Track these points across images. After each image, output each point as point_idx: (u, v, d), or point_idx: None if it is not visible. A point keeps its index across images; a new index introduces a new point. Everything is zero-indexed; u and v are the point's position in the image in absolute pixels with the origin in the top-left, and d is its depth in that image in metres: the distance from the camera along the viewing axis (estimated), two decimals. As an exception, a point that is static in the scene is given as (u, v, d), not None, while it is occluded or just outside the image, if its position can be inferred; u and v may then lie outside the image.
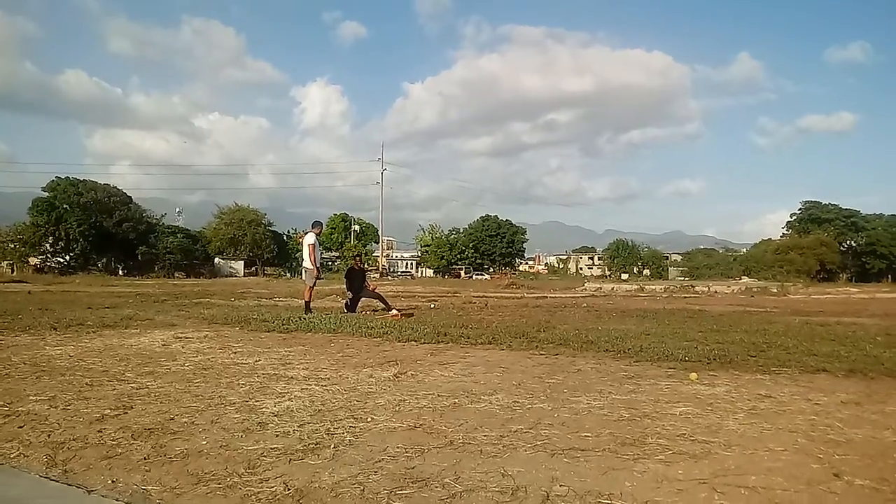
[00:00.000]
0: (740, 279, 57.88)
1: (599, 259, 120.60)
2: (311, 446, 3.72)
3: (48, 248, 64.93)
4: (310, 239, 13.78)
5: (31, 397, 4.88)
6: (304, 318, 11.62)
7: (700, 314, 15.33)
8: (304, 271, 14.29)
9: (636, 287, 37.51)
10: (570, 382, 5.91)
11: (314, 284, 13.53)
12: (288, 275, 71.92)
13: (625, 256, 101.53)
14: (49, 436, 3.87)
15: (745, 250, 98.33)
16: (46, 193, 64.67)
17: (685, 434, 4.11)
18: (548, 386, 5.72)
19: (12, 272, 53.42)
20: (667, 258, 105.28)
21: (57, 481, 3.12)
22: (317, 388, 5.46)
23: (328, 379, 5.89)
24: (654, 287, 37.20)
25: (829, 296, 29.84)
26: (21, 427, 4.03)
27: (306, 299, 13.51)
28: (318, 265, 13.50)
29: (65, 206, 63.01)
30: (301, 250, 14.05)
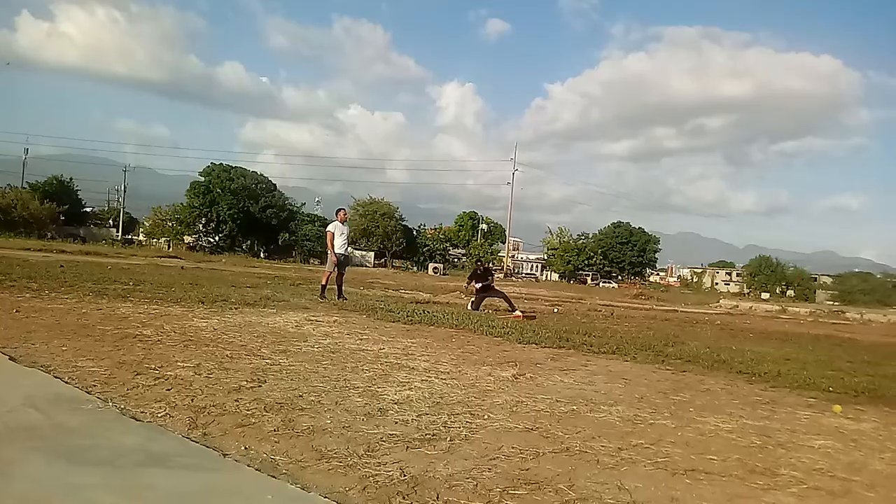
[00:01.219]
0: (902, 308, 52.69)
1: (738, 275, 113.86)
2: (428, 437, 3.82)
3: (201, 228, 70.59)
4: (330, 226, 14.00)
5: (179, 363, 5.35)
6: (321, 301, 12.53)
7: (850, 343, 14.10)
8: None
9: (778, 308, 35.01)
10: (698, 402, 5.64)
11: (333, 270, 13.67)
12: (415, 268, 73.69)
13: (767, 274, 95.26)
14: (192, 400, 4.20)
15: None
16: (202, 178, 70.21)
17: (823, 469, 3.81)
18: (672, 402, 5.50)
19: (168, 248, 58.49)
20: (815, 279, 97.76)
21: (196, 442, 3.40)
22: (436, 380, 5.58)
23: (448, 373, 6.00)
24: (798, 309, 34.58)
25: None
26: (169, 390, 4.43)
27: (322, 283, 13.73)
28: (337, 252, 13.57)
29: (217, 190, 68.26)
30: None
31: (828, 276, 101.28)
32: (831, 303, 61.46)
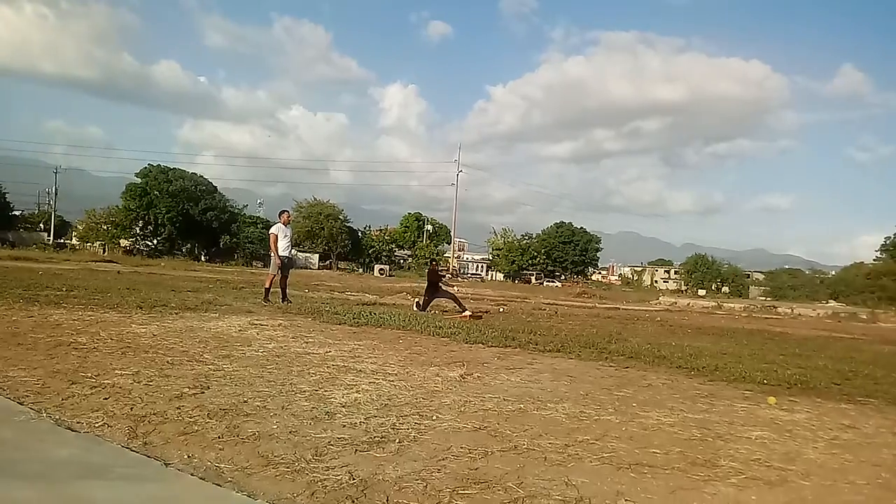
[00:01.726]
0: (827, 303, 55.09)
1: (676, 273, 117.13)
2: (377, 439, 3.79)
3: (138, 231, 68.49)
4: (273, 229, 13.92)
5: (117, 371, 5.17)
6: (265, 304, 12.43)
7: (782, 336, 14.70)
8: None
9: (714, 304, 36.16)
10: (640, 397, 5.78)
11: (277, 273, 13.58)
12: (361, 270, 73.17)
13: (703, 272, 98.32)
14: (131, 409, 4.07)
15: (833, 273, 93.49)
16: (139, 180, 68.10)
17: (760, 459, 3.95)
18: (616, 398, 5.62)
19: (104, 252, 56.46)
20: (748, 276, 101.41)
21: (137, 452, 3.28)
22: (384, 382, 5.54)
23: (395, 374, 5.98)
24: (733, 305, 35.81)
25: (926, 326, 28.07)
26: (106, 399, 4.27)
27: (266, 286, 13.62)
28: (280, 254, 13.48)
29: (155, 192, 66.33)
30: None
31: (760, 272, 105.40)
32: (764, 298, 63.96)
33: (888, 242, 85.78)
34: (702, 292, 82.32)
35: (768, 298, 64.40)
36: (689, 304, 34.99)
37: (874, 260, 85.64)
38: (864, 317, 31.94)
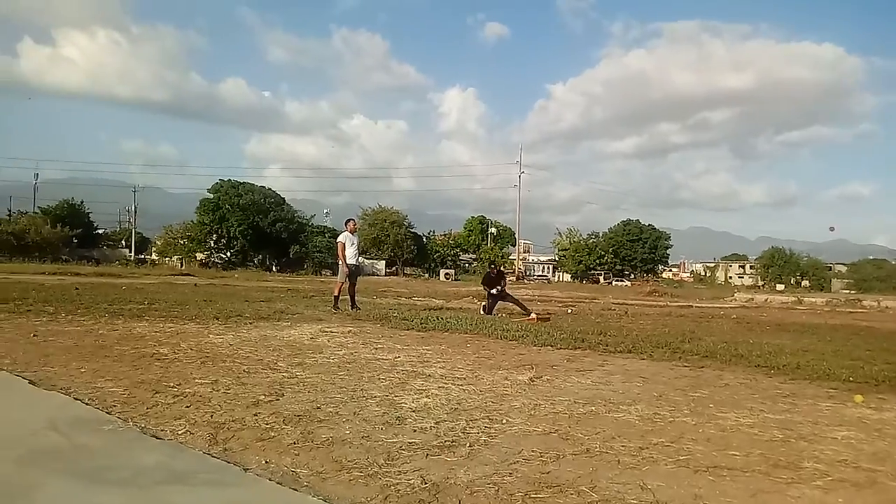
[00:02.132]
0: (919, 294, 52.10)
1: (752, 268, 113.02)
2: (448, 443, 3.81)
3: (212, 244, 70.95)
4: (340, 237, 14.03)
5: (197, 380, 5.37)
6: (335, 312, 12.62)
7: (868, 331, 13.95)
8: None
9: (794, 299, 34.69)
10: (717, 397, 5.60)
11: (345, 281, 13.68)
12: (426, 275, 73.71)
13: (781, 265, 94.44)
14: (211, 416, 4.22)
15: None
16: (211, 195, 70.61)
17: (847, 460, 3.77)
18: (692, 399, 5.46)
19: (181, 266, 58.80)
20: (829, 268, 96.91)
21: (217, 458, 3.41)
22: (453, 387, 5.57)
23: (464, 379, 5.99)
24: (814, 300, 34.27)
25: None
26: (188, 407, 4.45)
27: (335, 294, 13.72)
28: (348, 262, 13.57)
29: (227, 206, 68.65)
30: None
31: (842, 264, 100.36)
32: (847, 291, 60.89)
33: None
34: (780, 287, 79.04)
35: (852, 291, 61.28)
36: (766, 300, 33.70)
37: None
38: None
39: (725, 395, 5.75)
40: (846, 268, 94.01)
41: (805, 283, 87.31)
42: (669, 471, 3.47)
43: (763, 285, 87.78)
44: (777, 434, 4.34)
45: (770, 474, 3.46)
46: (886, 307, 29.54)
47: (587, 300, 26.38)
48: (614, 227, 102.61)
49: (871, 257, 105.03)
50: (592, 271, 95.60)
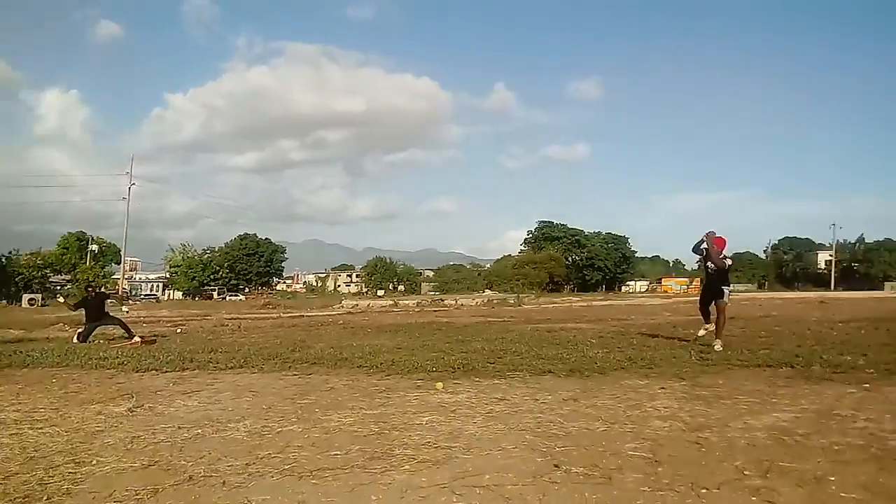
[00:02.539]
0: (484, 292, 62.53)
1: (357, 276, 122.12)
2: (19, 501, 3.22)
3: None
4: None
5: None
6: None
7: (447, 326, 16.32)
8: None
9: (391, 302, 38.71)
10: (323, 402, 5.89)
11: None
12: (5, 301, 62.29)
13: (382, 273, 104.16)
14: None
15: (489, 265, 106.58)
16: None
17: (430, 442, 4.31)
18: (299, 407, 5.64)
19: None
20: (420, 274, 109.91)
21: None
22: (30, 431, 4.74)
23: (45, 420, 5.16)
24: (407, 302, 38.71)
25: (555, 305, 33.70)
26: None
27: None
28: None
29: None
30: None
31: (430, 269, 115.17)
32: (434, 293, 69.80)
33: (529, 236, 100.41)
34: (381, 292, 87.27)
35: (437, 293, 70.60)
36: (369, 305, 36.85)
37: (519, 252, 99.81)
38: (512, 301, 36.86)
39: (331, 398, 6.08)
40: (433, 272, 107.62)
41: (401, 287, 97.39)
42: (275, 482, 3.51)
43: (367, 292, 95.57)
44: (374, 428, 4.75)
45: (367, 467, 3.76)
46: (462, 304, 34.81)
47: (199, 318, 25.31)
48: (231, 241, 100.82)
49: (453, 263, 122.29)
50: (206, 287, 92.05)
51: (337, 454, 4.06)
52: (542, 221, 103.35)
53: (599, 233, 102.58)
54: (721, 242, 9.83)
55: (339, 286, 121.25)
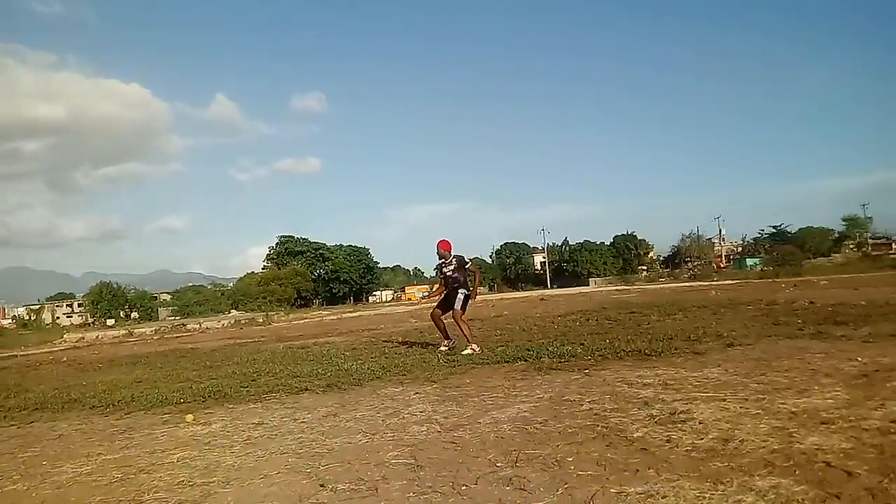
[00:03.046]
0: (230, 312, 59.54)
1: (80, 305, 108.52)
2: None
3: None
4: None
5: None
6: None
7: (193, 352, 15.26)
8: None
9: (125, 332, 34.92)
10: (51, 452, 5.11)
11: None
12: None
13: (109, 300, 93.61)
14: None
15: (232, 284, 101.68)
16: None
17: (184, 481, 3.98)
18: (21, 462, 4.82)
19: None
20: (155, 298, 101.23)
21: None
22: None
23: None
24: (144, 330, 35.30)
25: (306, 320, 33.21)
26: None
27: None
28: None
29: None
30: None
31: (167, 293, 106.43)
32: (173, 318, 64.72)
33: (271, 252, 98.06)
34: (111, 322, 78.28)
35: (178, 317, 65.61)
36: (98, 337, 32.88)
37: (262, 268, 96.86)
38: (261, 320, 35.64)
39: (60, 447, 5.32)
40: (171, 296, 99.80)
41: (135, 314, 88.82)
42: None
43: (94, 322, 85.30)
44: (116, 474, 4.27)
45: (112, 519, 3.31)
46: (207, 328, 32.86)
47: None
48: None
49: (192, 284, 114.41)
50: None
51: (73, 511, 3.56)
52: (284, 236, 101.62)
53: (341, 245, 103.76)
54: (445, 245, 9.82)
55: (58, 318, 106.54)
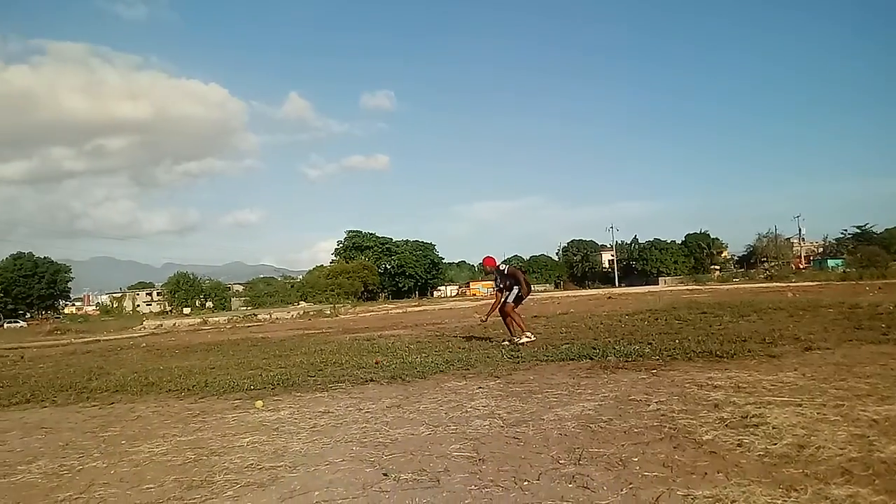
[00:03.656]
0: (298, 304, 61.08)
1: (159, 294, 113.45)
2: None
3: None
4: None
5: None
6: None
7: (263, 341, 15.72)
8: None
9: (200, 320, 36.39)
10: (129, 432, 5.39)
11: None
12: None
13: (186, 290, 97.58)
14: None
15: (301, 277, 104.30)
16: None
17: (253, 464, 4.12)
18: (102, 440, 5.11)
19: None
20: (229, 289, 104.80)
21: None
22: None
23: None
24: (217, 319, 36.67)
25: (372, 313, 33.67)
26: None
27: None
28: None
29: None
30: None
31: (239, 284, 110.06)
32: (245, 308, 66.83)
33: (340, 246, 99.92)
34: (187, 310, 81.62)
35: (249, 308, 67.76)
36: (175, 325, 34.35)
37: (331, 262, 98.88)
38: (328, 312, 36.38)
39: (138, 427, 5.60)
40: (243, 287, 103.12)
41: (209, 304, 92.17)
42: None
43: (171, 310, 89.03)
44: (190, 455, 4.45)
45: (185, 498, 3.53)
46: (277, 318, 33.74)
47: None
48: (2, 261, 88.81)
49: (262, 276, 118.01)
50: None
51: (150, 488, 3.72)
52: (352, 231, 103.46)
53: (407, 240, 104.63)
54: (489, 262, 10.82)
55: (138, 306, 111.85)
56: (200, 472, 4.01)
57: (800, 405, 4.57)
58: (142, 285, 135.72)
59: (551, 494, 3.14)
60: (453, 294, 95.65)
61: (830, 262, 71.70)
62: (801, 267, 75.88)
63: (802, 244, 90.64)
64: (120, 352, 15.84)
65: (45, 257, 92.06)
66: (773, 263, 75.90)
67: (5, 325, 71.50)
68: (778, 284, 35.63)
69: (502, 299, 10.21)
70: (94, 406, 6.97)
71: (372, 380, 7.42)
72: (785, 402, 4.68)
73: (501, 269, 10.52)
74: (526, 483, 3.33)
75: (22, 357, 15.79)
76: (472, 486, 3.36)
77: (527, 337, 9.75)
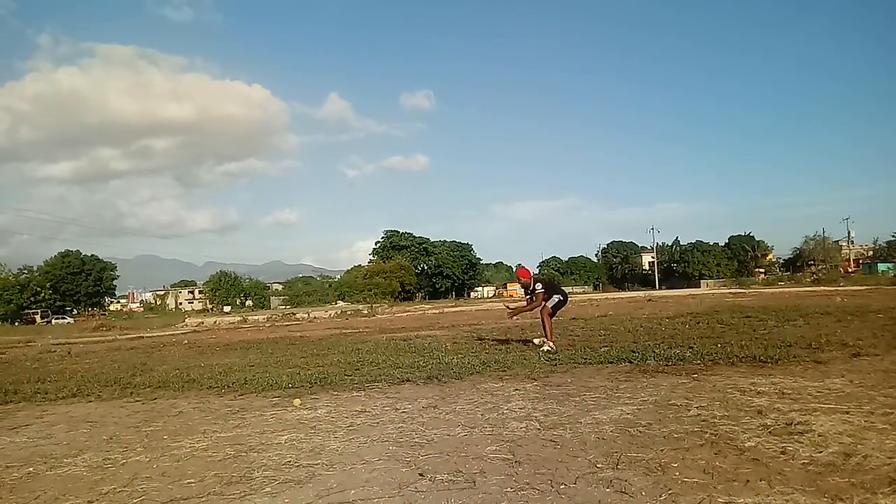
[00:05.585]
0: (336, 303, 61.74)
1: (200, 292, 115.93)
2: None
3: None
4: None
5: None
6: None
7: (301, 340, 15.93)
8: None
9: (240, 318, 37.09)
10: (171, 427, 5.52)
11: None
12: None
13: (227, 288, 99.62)
14: None
15: (339, 276, 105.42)
16: None
17: (290, 461, 4.18)
18: (145, 435, 5.25)
19: None
20: (268, 288, 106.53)
21: None
22: None
23: None
24: (257, 317, 37.32)
25: (408, 313, 33.89)
26: None
27: None
28: None
29: None
30: None
31: (278, 283, 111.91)
32: (284, 307, 67.81)
33: (377, 246, 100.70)
34: (227, 308, 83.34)
35: (288, 306, 68.74)
36: (215, 322, 35.04)
37: (368, 262, 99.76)
38: (365, 312, 36.70)
39: (180, 423, 5.73)
40: (282, 286, 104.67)
41: (249, 302, 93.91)
42: (122, 519, 3.21)
43: (212, 308, 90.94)
44: (230, 451, 4.53)
45: (224, 493, 3.60)
46: (315, 317, 34.16)
47: (21, 344, 22.83)
48: (51, 259, 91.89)
49: (301, 275, 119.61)
50: (27, 311, 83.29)
51: (191, 482, 3.81)
52: (389, 231, 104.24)
53: (445, 241, 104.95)
54: (522, 273, 10.51)
55: (180, 304, 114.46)
56: (240, 468, 4.09)
57: (847, 413, 4.44)
58: (184, 283, 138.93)
59: (588, 499, 3.11)
60: (490, 295, 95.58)
61: (881, 266, 69.44)
62: (850, 271, 73.68)
63: (851, 247, 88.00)
64: (163, 348, 16.23)
65: (91, 255, 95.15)
66: (820, 267, 73.83)
67: (53, 321, 73.90)
68: (825, 288, 34.67)
69: (544, 303, 10.02)
70: (138, 401, 7.17)
71: (408, 380, 7.46)
72: (831, 410, 4.55)
73: (536, 279, 10.34)
74: (563, 486, 3.31)
75: (69, 352, 16.28)
76: (508, 489, 3.35)
77: (549, 346, 9.49)
